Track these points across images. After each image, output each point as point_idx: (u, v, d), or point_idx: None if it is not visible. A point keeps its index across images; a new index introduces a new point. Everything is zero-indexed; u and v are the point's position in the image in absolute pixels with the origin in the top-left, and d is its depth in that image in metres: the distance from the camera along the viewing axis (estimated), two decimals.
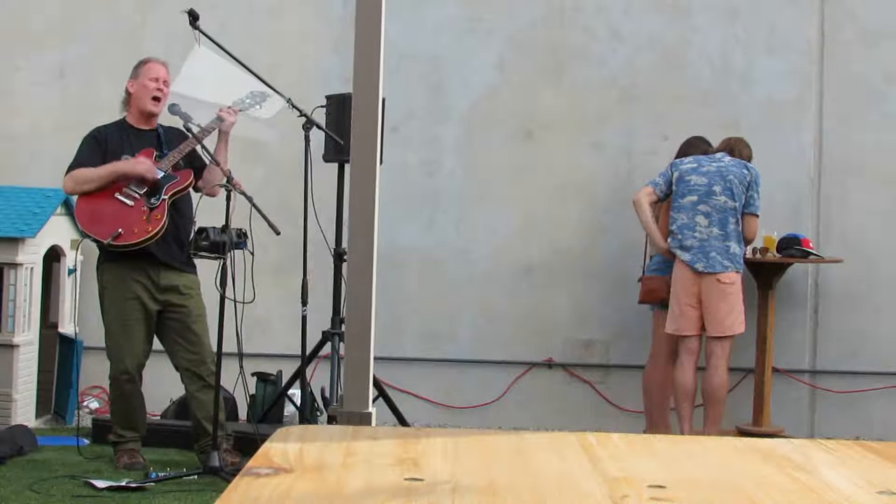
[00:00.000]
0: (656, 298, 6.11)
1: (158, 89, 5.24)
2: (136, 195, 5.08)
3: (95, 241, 5.08)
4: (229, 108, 5.30)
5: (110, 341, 5.17)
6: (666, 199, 6.03)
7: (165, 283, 5.17)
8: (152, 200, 5.07)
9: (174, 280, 5.18)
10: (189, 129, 5.13)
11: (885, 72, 6.73)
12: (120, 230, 4.99)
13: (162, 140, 5.26)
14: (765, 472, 1.38)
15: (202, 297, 5.27)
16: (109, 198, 5.07)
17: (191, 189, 5.27)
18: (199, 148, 5.22)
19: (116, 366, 5.14)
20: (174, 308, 5.18)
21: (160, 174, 5.11)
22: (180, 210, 5.22)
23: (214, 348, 5.03)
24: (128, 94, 5.29)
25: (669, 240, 5.95)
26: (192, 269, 5.28)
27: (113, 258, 5.11)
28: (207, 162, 5.28)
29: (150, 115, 5.28)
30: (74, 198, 5.31)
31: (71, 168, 5.14)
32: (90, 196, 5.10)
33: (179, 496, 4.62)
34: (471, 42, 6.82)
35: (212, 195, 5.18)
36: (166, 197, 5.10)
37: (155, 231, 5.03)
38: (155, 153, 5.20)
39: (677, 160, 6.06)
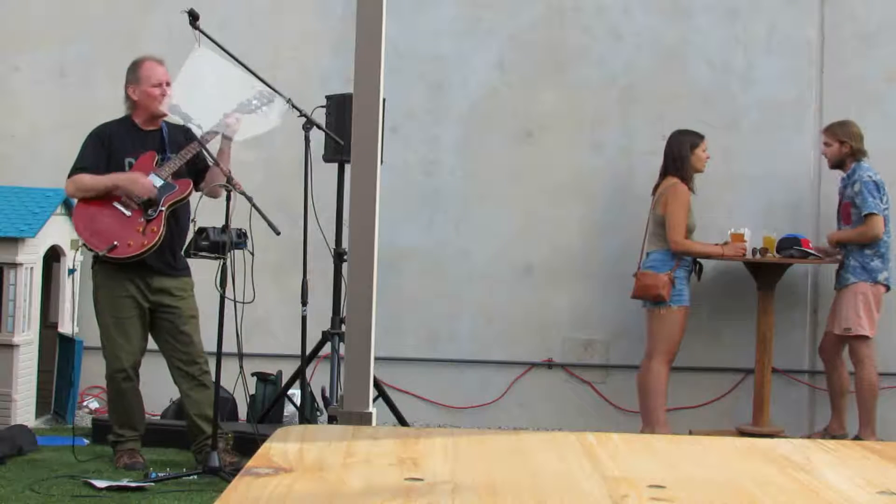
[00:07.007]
0: (650, 295, 6.09)
1: (163, 94, 5.19)
2: (135, 205, 5.07)
3: (90, 249, 5.09)
4: (234, 112, 5.24)
5: (106, 340, 5.17)
6: None
7: (157, 286, 5.16)
8: (149, 212, 5.06)
9: (166, 283, 5.18)
10: (191, 130, 5.12)
11: (885, 72, 6.73)
12: (115, 243, 4.99)
13: (165, 140, 5.24)
14: (765, 472, 1.38)
15: (195, 299, 5.26)
16: (108, 205, 5.07)
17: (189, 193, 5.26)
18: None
19: (113, 364, 5.14)
20: (165, 309, 5.18)
21: (159, 183, 5.10)
22: (177, 218, 5.19)
23: (213, 348, 5.03)
24: (130, 100, 5.24)
25: None
26: (186, 271, 5.26)
27: (106, 259, 5.11)
28: (210, 164, 5.26)
29: (160, 117, 5.27)
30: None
31: (74, 170, 5.13)
32: (89, 201, 5.10)
33: (179, 496, 4.62)
34: (471, 42, 6.81)
35: (213, 196, 5.14)
36: (163, 209, 5.08)
37: (151, 245, 5.03)
38: (157, 157, 5.18)
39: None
